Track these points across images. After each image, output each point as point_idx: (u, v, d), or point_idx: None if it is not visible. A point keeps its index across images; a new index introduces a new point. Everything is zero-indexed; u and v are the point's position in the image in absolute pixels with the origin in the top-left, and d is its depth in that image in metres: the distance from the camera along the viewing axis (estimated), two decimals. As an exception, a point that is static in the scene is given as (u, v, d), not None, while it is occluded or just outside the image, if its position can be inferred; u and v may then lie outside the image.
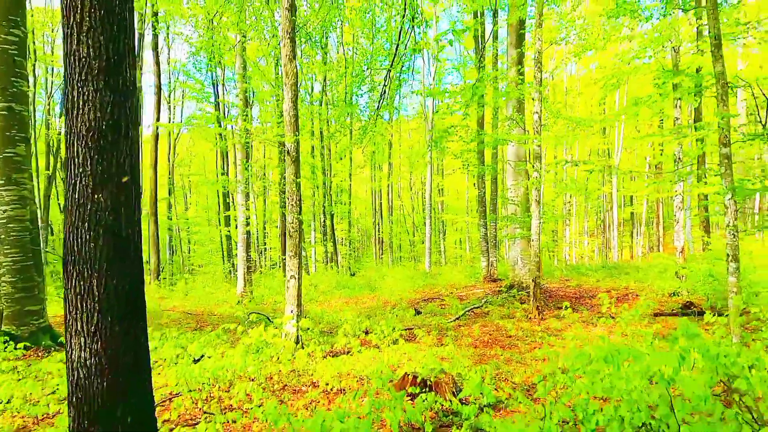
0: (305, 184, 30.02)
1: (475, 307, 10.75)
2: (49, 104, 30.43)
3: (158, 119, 17.29)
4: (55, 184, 31.84)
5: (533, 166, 9.60)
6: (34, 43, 26.81)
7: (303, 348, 6.11)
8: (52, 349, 7.05)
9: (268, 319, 9.78)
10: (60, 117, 30.14)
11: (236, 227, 15.19)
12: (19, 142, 7.33)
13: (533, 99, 9.66)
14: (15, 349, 6.63)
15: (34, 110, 27.20)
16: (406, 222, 46.49)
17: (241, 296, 14.61)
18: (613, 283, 15.13)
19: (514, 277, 13.88)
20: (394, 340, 7.04)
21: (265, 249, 38.89)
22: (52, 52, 30.67)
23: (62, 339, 6.23)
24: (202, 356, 5.29)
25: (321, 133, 24.37)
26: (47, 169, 28.59)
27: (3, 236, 7.18)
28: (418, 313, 11.29)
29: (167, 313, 11.87)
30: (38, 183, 24.59)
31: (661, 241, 42.50)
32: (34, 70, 25.19)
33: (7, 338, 7.08)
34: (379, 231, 39.53)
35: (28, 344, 7.05)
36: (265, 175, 39.47)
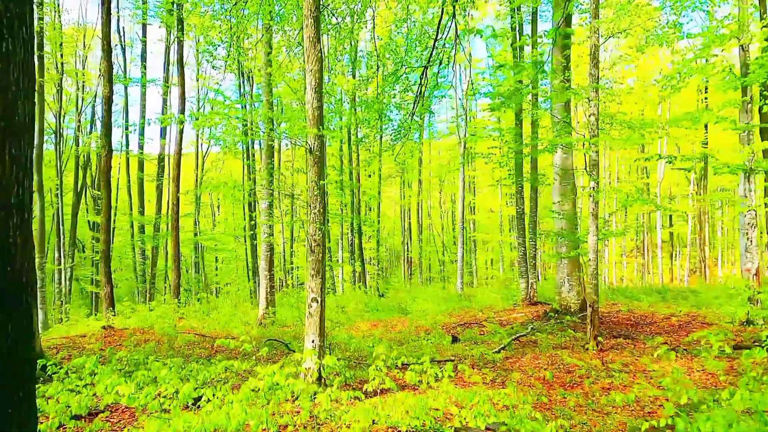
0: (332, 200, 29.19)
1: (521, 335, 9.53)
2: (79, 121, 30.43)
3: (182, 131, 16.65)
4: (86, 200, 31.75)
5: (590, 175, 8.42)
6: (61, 56, 26.85)
7: (326, 387, 5.04)
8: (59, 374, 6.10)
9: (288, 347, 8.75)
10: (90, 133, 30.14)
11: (261, 245, 14.31)
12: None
13: (588, 99, 8.53)
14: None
15: (60, 127, 27.17)
16: (435, 241, 45.25)
17: (263, 318, 13.64)
18: (669, 309, 13.67)
19: (560, 301, 12.58)
20: (436, 377, 5.90)
21: (292, 268, 38.11)
22: (84, 67, 30.77)
23: (88, 361, 5.30)
24: (200, 398, 4.27)
25: (349, 137, 23.38)
26: (75, 185, 28.41)
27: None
28: (455, 340, 10.11)
29: (183, 336, 10.94)
30: (61, 198, 24.26)
31: (705, 263, 40.25)
32: (60, 85, 25.09)
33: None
34: (408, 250, 38.39)
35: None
36: (293, 192, 38.92)
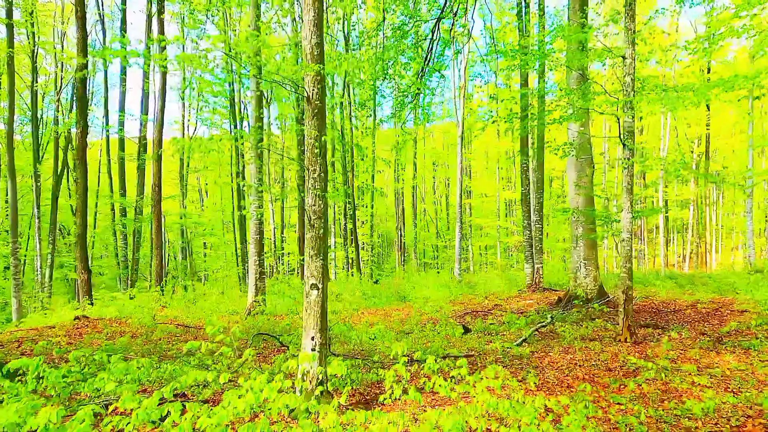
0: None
1: (541, 326, 8.52)
2: (58, 101, 28.90)
3: (163, 107, 15.37)
4: (68, 184, 30.30)
5: (624, 144, 7.37)
6: (39, 38, 25.31)
7: (330, 398, 3.98)
8: None
9: (280, 342, 7.68)
10: (70, 113, 28.60)
11: (250, 228, 13.16)
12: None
13: (623, 57, 7.45)
14: None
15: (36, 106, 25.75)
16: (429, 227, 44.24)
17: (252, 307, 12.55)
18: (692, 296, 12.75)
19: (575, 287, 11.60)
20: (455, 378, 4.87)
21: (283, 254, 36.96)
22: (62, 47, 29.22)
23: (19, 363, 4.21)
24: (166, 417, 3.21)
25: (342, 108, 21.95)
26: (55, 168, 26.99)
27: None
28: (467, 331, 9.10)
29: (162, 326, 9.85)
30: (35, 181, 22.92)
31: (706, 249, 39.64)
32: (34, 65, 23.61)
33: None
34: (401, 236, 37.36)
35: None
36: (283, 177, 37.64)
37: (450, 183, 46.33)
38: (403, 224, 37.65)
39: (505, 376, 4.52)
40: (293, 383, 4.51)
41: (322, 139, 4.14)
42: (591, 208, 11.52)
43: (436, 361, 5.27)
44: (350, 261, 31.93)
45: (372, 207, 32.54)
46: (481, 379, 4.16)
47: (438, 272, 35.89)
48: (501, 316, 10.71)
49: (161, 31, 18.43)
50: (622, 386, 5.28)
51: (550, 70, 11.28)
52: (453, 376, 5.10)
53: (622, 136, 7.43)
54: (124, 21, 21.15)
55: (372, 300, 16.32)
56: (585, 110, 10.45)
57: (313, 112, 4.17)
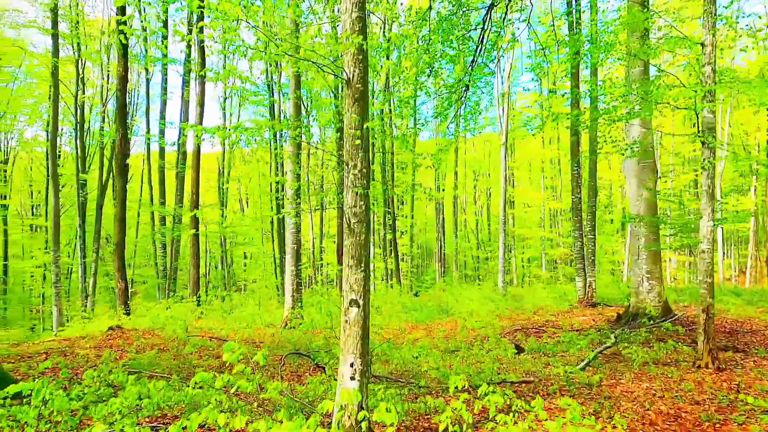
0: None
1: (606, 347, 7.63)
2: (104, 112, 29.42)
3: (201, 113, 15.14)
4: (112, 193, 30.73)
5: (704, 142, 6.48)
6: (86, 47, 25.83)
7: (373, 439, 3.30)
8: None
9: (315, 362, 7.04)
10: (114, 123, 29.05)
11: (288, 237, 12.67)
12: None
13: (701, 44, 6.58)
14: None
15: (83, 116, 26.21)
16: (469, 238, 43.14)
17: (288, 319, 12.02)
18: (766, 314, 11.53)
19: (637, 303, 10.60)
20: (518, 412, 4.11)
21: (321, 265, 36.57)
22: (108, 59, 29.74)
23: (21, 386, 3.70)
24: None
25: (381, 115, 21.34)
26: (100, 178, 27.38)
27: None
28: (520, 350, 8.28)
29: (194, 339, 9.39)
30: (79, 190, 23.18)
31: (760, 261, 37.21)
32: (81, 78, 24.01)
33: None
34: (442, 247, 36.47)
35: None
36: (322, 189, 37.37)
37: (491, 193, 45.22)
38: (443, 235, 36.79)
39: (568, 406, 3.74)
40: (326, 423, 3.86)
41: (365, 127, 3.51)
42: (654, 216, 10.54)
43: (489, 385, 4.54)
44: (389, 272, 31.27)
45: (412, 217, 31.84)
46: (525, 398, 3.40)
47: (479, 284, 34.83)
48: (556, 334, 9.82)
49: (201, 45, 18.34)
50: (719, 426, 4.41)
51: (601, 65, 10.36)
52: (517, 411, 4.35)
53: (701, 133, 6.54)
54: (164, 37, 21.23)
55: (413, 313, 15.59)
56: (649, 107, 9.53)
57: (353, 96, 3.55)
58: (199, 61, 15.64)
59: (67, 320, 18.39)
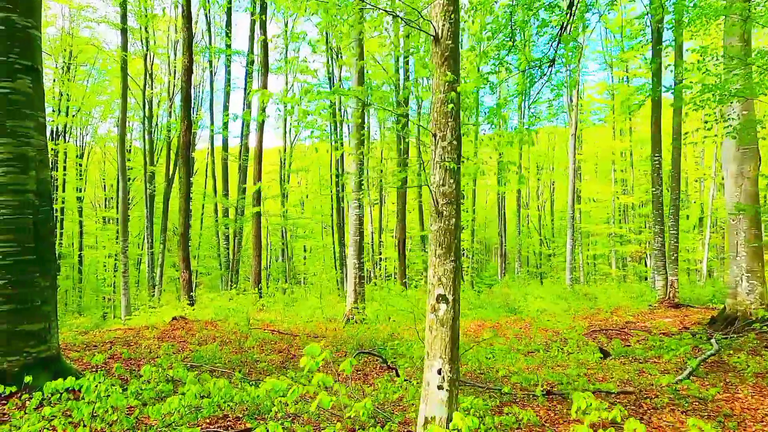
0: (412, 194, 26.63)
1: (710, 354, 6.74)
2: (170, 106, 30.16)
3: (264, 108, 14.98)
4: (180, 186, 31.51)
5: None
6: (154, 41, 26.47)
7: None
8: (51, 396, 4.21)
9: (386, 363, 6.55)
10: (179, 117, 29.72)
11: (349, 229, 12.31)
12: (20, 73, 4.82)
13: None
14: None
15: (150, 110, 26.89)
16: (531, 234, 41.62)
17: (350, 313, 11.64)
18: None
19: (735, 305, 9.51)
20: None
21: (380, 259, 36.24)
22: (175, 55, 30.39)
23: (75, 381, 3.38)
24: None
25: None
26: (167, 171, 28.10)
27: (-10, 215, 4.68)
28: (605, 354, 7.51)
29: (256, 332, 9.13)
30: (147, 183, 23.75)
31: None
32: (149, 74, 24.59)
33: (-21, 376, 4.52)
34: (503, 243, 35.33)
35: (14, 386, 4.40)
36: (381, 183, 37.02)
37: (555, 187, 43.55)
38: (505, 230, 35.67)
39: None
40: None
41: (457, 88, 2.95)
42: (757, 207, 9.43)
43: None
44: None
45: (473, 212, 30.97)
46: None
47: (541, 282, 33.48)
48: (642, 337, 8.93)
49: (264, 37, 18.27)
50: None
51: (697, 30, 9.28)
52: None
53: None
54: (229, 24, 21.39)
55: (478, 311, 14.92)
56: (750, 86, 8.45)
57: (442, 54, 3.00)
58: (261, 53, 15.51)
59: (135, 309, 18.84)
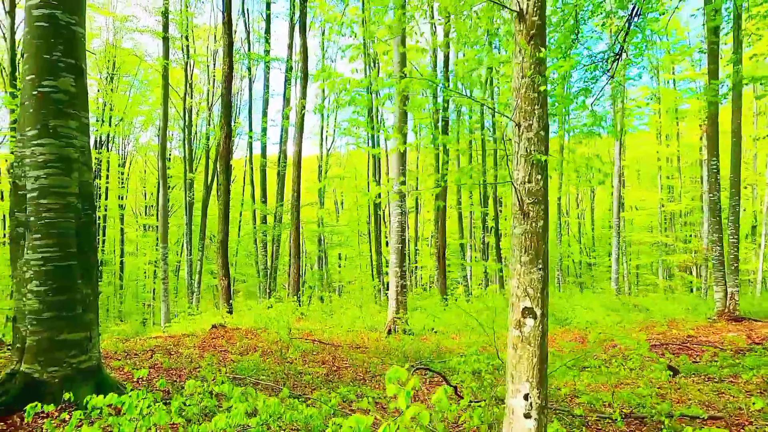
0: (451, 213, 26.11)
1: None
2: (209, 116, 30.50)
3: (303, 108, 14.86)
4: (216, 194, 31.78)
5: None
6: (194, 51, 26.80)
7: None
8: (91, 412, 3.94)
9: (446, 381, 6.13)
10: (218, 125, 30.01)
11: (391, 234, 11.99)
12: (64, 71, 4.64)
13: None
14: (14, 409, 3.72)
15: (190, 118, 27.16)
16: (570, 243, 40.42)
17: (393, 324, 11.25)
18: None
19: (812, 319, 8.76)
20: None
21: (416, 268, 35.75)
22: (214, 65, 30.73)
23: (118, 398, 3.11)
24: None
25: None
26: (206, 179, 28.34)
27: (33, 218, 4.49)
28: (675, 372, 6.92)
29: (297, 342, 8.84)
30: (186, 190, 23.91)
31: None
32: (189, 83, 24.87)
33: (19, 387, 4.30)
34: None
35: (53, 403, 4.17)
36: (417, 189, 36.61)
37: (595, 195, 42.34)
38: (544, 238, 34.66)
39: None
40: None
41: (544, 71, 2.56)
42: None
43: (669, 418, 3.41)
44: (488, 276, 29.89)
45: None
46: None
47: (581, 291, 32.39)
48: (708, 352, 8.27)
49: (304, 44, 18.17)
50: None
51: None
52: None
53: None
54: (268, 30, 21.44)
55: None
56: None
57: (528, 32, 2.62)
58: (301, 59, 15.39)
59: (174, 316, 18.88)
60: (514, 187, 2.64)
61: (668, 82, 30.74)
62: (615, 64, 5.97)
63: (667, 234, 32.92)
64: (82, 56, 4.89)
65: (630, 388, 6.18)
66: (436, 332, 11.21)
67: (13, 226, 4.68)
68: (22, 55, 4.72)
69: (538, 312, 2.58)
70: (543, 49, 2.65)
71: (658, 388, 6.10)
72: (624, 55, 6.13)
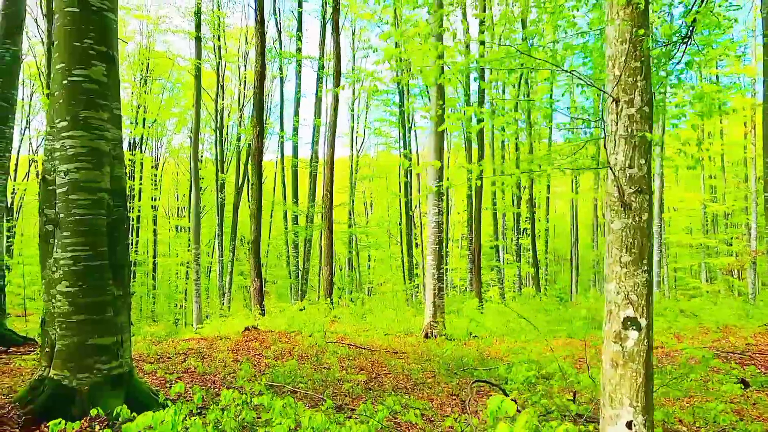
0: (486, 216, 25.47)
1: None
2: (240, 116, 30.53)
3: (336, 106, 14.57)
4: (247, 195, 31.78)
5: None
6: (225, 51, 26.84)
7: None
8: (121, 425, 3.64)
9: (503, 391, 5.70)
10: (249, 125, 29.99)
11: (429, 230, 11.58)
12: (95, 60, 4.38)
13: None
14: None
15: (222, 120, 27.22)
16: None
17: (429, 328, 10.83)
18: None
19: None
20: None
21: (447, 270, 35.21)
22: (245, 66, 30.76)
23: (153, 418, 2.82)
24: None
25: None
26: (236, 180, 28.39)
27: (62, 215, 4.24)
28: (745, 385, 6.34)
29: (332, 347, 8.50)
30: (218, 192, 23.88)
31: None
32: (221, 85, 24.89)
33: (48, 395, 4.04)
34: (576, 253, 33.51)
35: (83, 408, 3.91)
36: (447, 189, 36.06)
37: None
38: (578, 239, 33.89)
39: None
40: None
41: (643, 33, 2.14)
42: None
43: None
44: (522, 279, 29.19)
45: (547, 221, 29.50)
46: None
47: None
48: (779, 364, 7.64)
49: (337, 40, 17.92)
50: None
51: None
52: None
53: None
54: (300, 29, 21.27)
55: (564, 326, 13.75)
56: None
57: (629, -11, 2.20)
58: (334, 56, 15.12)
59: (206, 317, 18.81)
60: (613, 174, 2.22)
61: (711, 77, 29.58)
62: (684, 47, 5.48)
63: (708, 236, 31.66)
64: (114, 44, 4.62)
65: (698, 401, 5.66)
66: (476, 337, 10.75)
67: (42, 223, 4.44)
68: (53, 44, 4.48)
69: (643, 322, 2.16)
70: (629, 21, 2.23)
71: (732, 402, 5.55)
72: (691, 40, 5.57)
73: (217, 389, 5.70)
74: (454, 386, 6.42)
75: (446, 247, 34.56)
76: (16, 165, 28.37)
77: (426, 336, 10.73)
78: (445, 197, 29.72)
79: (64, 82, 4.30)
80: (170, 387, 5.72)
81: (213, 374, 6.36)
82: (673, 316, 14.45)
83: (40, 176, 4.63)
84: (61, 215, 4.26)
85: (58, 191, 4.27)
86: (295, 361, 6.68)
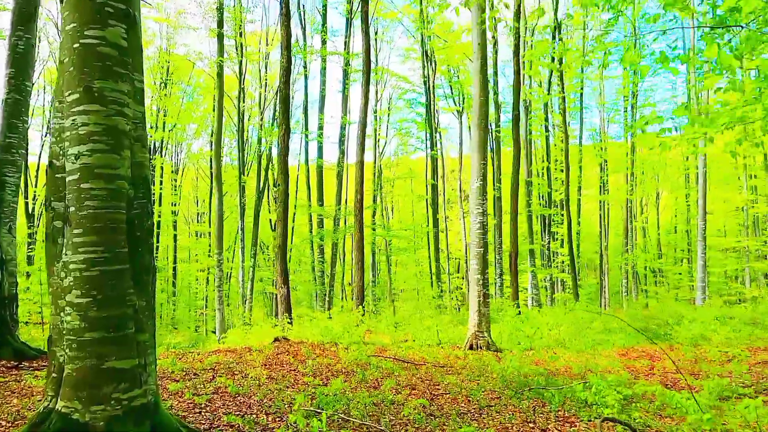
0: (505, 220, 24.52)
1: None
2: (261, 119, 29.92)
3: (366, 103, 13.77)
4: (267, 201, 31.12)
5: None
6: (241, 35, 26.24)
7: None
8: None
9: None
10: (272, 126, 29.34)
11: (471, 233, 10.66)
12: (112, 19, 3.61)
13: None
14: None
15: (242, 122, 26.63)
16: (647, 249, 37.81)
17: (475, 339, 9.91)
18: None
19: None
20: None
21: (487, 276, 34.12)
22: (266, 69, 30.12)
23: None
24: None
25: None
26: (258, 185, 27.76)
27: (73, 208, 3.46)
28: None
29: (375, 361, 7.63)
30: (240, 196, 23.21)
31: None
32: (242, 87, 24.28)
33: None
34: (604, 258, 32.28)
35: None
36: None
37: (662, 197, 39.77)
38: (607, 244, 32.70)
39: None
40: None
41: None
42: None
43: None
44: (554, 285, 28.09)
45: (578, 224, 28.38)
46: None
47: (646, 303, 30.09)
48: None
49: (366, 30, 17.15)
50: None
51: None
52: None
53: None
54: (324, 23, 20.57)
55: (609, 336, 12.76)
56: None
57: None
58: (364, 46, 14.34)
59: (230, 325, 18.08)
60: None
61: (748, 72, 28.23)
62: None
63: (749, 238, 30.21)
64: (136, 3, 3.84)
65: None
66: (530, 349, 9.82)
67: (50, 219, 3.66)
68: (61, 1, 3.70)
69: None
70: None
71: None
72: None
73: (252, 414, 4.88)
74: (527, 409, 5.51)
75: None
76: (37, 170, 28.02)
77: (471, 347, 9.82)
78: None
79: (75, 45, 3.51)
80: (200, 412, 4.92)
81: (247, 395, 5.54)
82: (732, 324, 13.36)
83: (47, 163, 3.84)
84: (72, 209, 3.47)
85: (68, 179, 3.48)
86: (340, 381, 5.81)
